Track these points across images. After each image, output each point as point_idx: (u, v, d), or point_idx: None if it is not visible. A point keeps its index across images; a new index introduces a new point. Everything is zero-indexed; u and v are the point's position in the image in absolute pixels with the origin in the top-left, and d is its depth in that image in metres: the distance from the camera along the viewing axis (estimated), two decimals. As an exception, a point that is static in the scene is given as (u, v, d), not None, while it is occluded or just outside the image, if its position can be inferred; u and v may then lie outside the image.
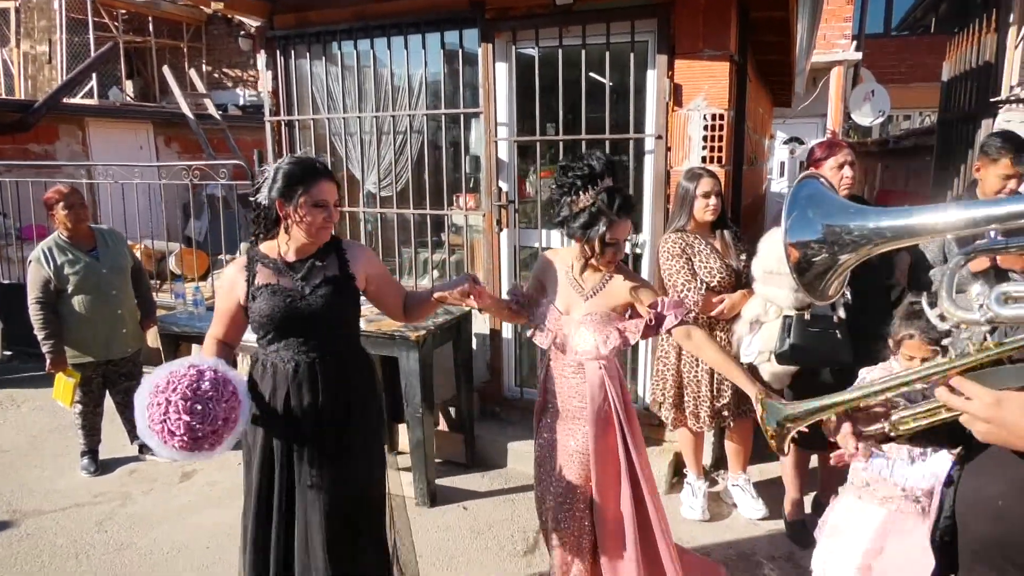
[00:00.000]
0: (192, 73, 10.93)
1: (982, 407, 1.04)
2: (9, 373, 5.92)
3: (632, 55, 3.66)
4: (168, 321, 4.20)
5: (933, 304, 1.13)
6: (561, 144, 3.88)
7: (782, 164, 10.55)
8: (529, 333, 2.50)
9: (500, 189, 4.02)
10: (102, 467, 4.11)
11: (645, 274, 3.84)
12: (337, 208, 2.24)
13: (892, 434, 1.27)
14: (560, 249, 2.55)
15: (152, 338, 4.45)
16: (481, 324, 4.23)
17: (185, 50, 12.09)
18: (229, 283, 2.28)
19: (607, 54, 3.68)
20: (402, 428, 4.07)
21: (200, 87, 10.79)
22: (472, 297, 2.23)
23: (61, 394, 3.87)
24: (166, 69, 9.98)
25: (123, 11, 11.41)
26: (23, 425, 4.84)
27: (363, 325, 2.84)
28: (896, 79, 12.01)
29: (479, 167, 4.23)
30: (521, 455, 3.89)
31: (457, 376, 3.96)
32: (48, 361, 3.82)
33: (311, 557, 2.21)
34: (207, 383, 1.94)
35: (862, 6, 10.38)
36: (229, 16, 8.50)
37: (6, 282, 6.40)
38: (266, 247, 2.27)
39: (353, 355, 2.36)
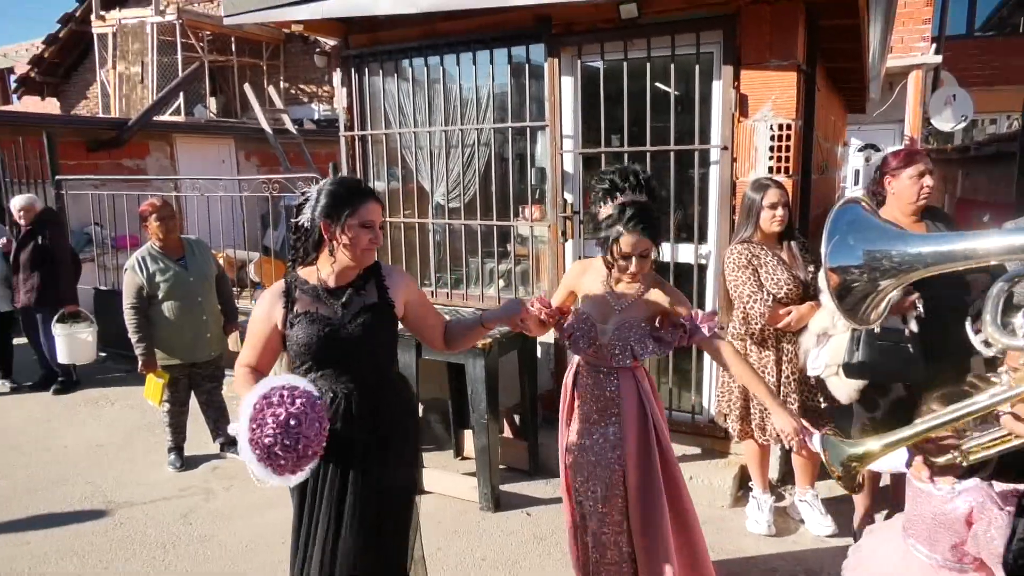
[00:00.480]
0: (271, 90, 11.43)
1: None
2: (104, 373, 6.33)
3: (697, 66, 3.67)
4: (248, 327, 4.43)
5: (978, 330, 1.14)
6: (626, 155, 3.92)
7: (856, 172, 10.24)
8: (563, 342, 2.56)
9: (565, 200, 4.09)
10: (187, 463, 4.36)
11: (709, 286, 3.84)
12: (381, 230, 2.18)
13: (963, 463, 1.26)
14: (595, 259, 2.58)
15: (233, 342, 4.70)
16: (547, 334, 4.29)
17: (264, 68, 12.66)
18: (267, 309, 2.18)
19: (672, 66, 3.71)
20: (467, 433, 4.17)
21: (278, 103, 11.27)
22: (524, 321, 2.25)
23: (151, 393, 4.13)
24: (247, 87, 10.48)
25: (207, 32, 12.05)
26: (117, 422, 5.17)
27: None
28: (980, 82, 11.48)
29: (544, 179, 4.30)
30: (584, 463, 3.93)
31: (522, 384, 4.04)
32: (140, 362, 4.09)
33: None
34: (303, 406, 1.88)
35: (943, 7, 9.99)
36: (306, 35, 8.88)
37: (102, 288, 6.85)
38: (305, 272, 2.20)
39: (390, 385, 2.30)
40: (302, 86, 13.10)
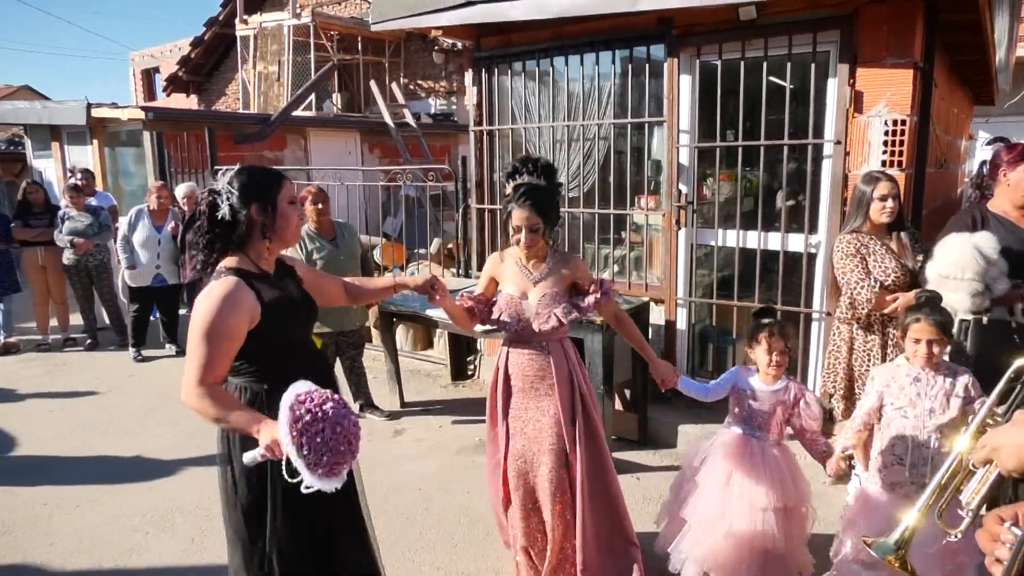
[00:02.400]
0: (393, 86, 12.15)
1: (991, 438, 1.27)
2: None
3: (813, 64, 3.85)
4: (386, 300, 4.97)
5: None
6: (740, 149, 4.15)
7: (983, 164, 9.82)
8: (484, 329, 2.91)
9: (680, 191, 4.36)
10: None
11: (818, 274, 4.02)
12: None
13: (976, 513, 1.40)
14: (509, 248, 2.83)
15: (373, 315, 5.26)
16: (657, 315, 4.59)
17: (387, 65, 13.44)
18: (241, 309, 1.99)
19: (788, 64, 3.90)
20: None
21: (400, 98, 11.98)
22: (434, 289, 2.51)
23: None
24: (373, 84, 11.21)
25: (335, 33, 12.93)
26: (268, 383, 5.87)
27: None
28: None
29: (660, 170, 4.58)
30: (690, 437, 4.21)
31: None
32: (298, 329, 4.68)
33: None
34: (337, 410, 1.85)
35: (1087, -8, 9.37)
36: (425, 34, 9.46)
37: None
38: (233, 262, 2.08)
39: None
40: (420, 82, 13.80)
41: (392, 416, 5.02)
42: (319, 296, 2.37)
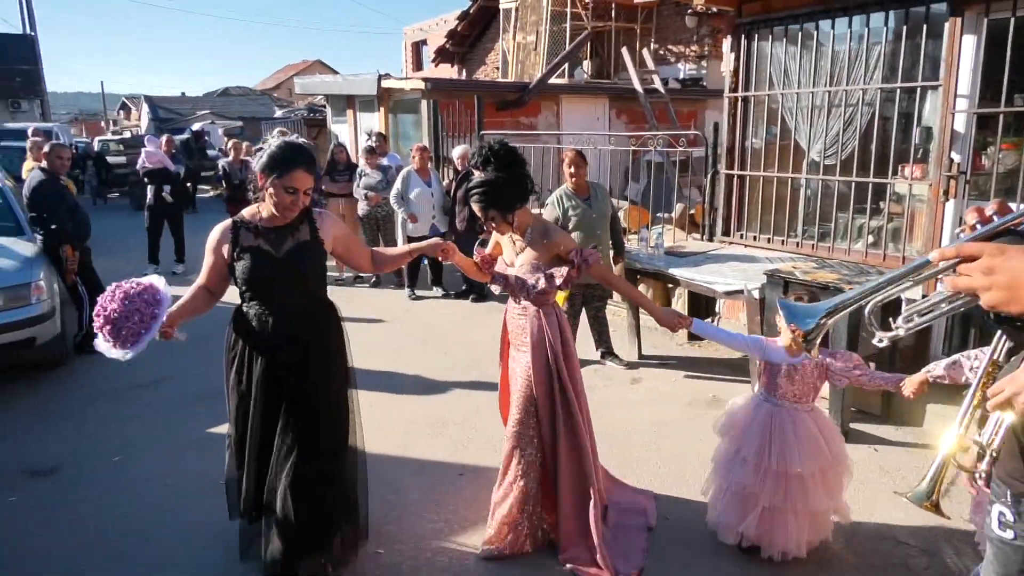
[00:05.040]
0: (644, 52, 12.30)
1: (1010, 384, 1.21)
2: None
3: None
4: (632, 259, 5.32)
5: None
6: (1029, 115, 3.83)
7: None
8: (491, 286, 3.12)
9: (952, 160, 4.13)
10: (575, 363, 5.45)
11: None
12: (307, 195, 2.55)
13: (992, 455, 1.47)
14: None
15: (619, 271, 5.64)
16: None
17: (638, 30, 13.58)
18: (216, 242, 2.63)
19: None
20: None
21: (650, 64, 12.11)
22: (444, 251, 2.84)
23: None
24: (624, 50, 11.47)
25: (590, 1, 13.33)
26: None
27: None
28: None
29: (930, 138, 4.36)
30: (939, 417, 4.05)
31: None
32: (552, 278, 5.23)
33: (278, 483, 2.63)
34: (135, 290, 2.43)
35: None
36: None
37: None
38: (250, 212, 2.64)
39: (319, 308, 2.76)
40: (670, 47, 13.75)
41: (630, 366, 5.40)
42: (348, 262, 2.91)
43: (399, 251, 3.10)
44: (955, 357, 2.63)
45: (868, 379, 2.84)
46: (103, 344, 2.41)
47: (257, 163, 2.53)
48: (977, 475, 1.52)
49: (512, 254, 3.05)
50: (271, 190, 2.49)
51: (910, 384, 2.63)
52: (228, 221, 2.66)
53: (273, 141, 2.54)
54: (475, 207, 2.92)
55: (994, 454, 1.49)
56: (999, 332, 1.50)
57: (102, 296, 2.43)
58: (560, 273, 2.91)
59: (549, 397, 2.98)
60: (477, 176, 2.90)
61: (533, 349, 2.97)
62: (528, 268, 2.95)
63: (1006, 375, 1.34)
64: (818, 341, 1.45)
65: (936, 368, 2.61)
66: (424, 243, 2.98)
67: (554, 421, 2.98)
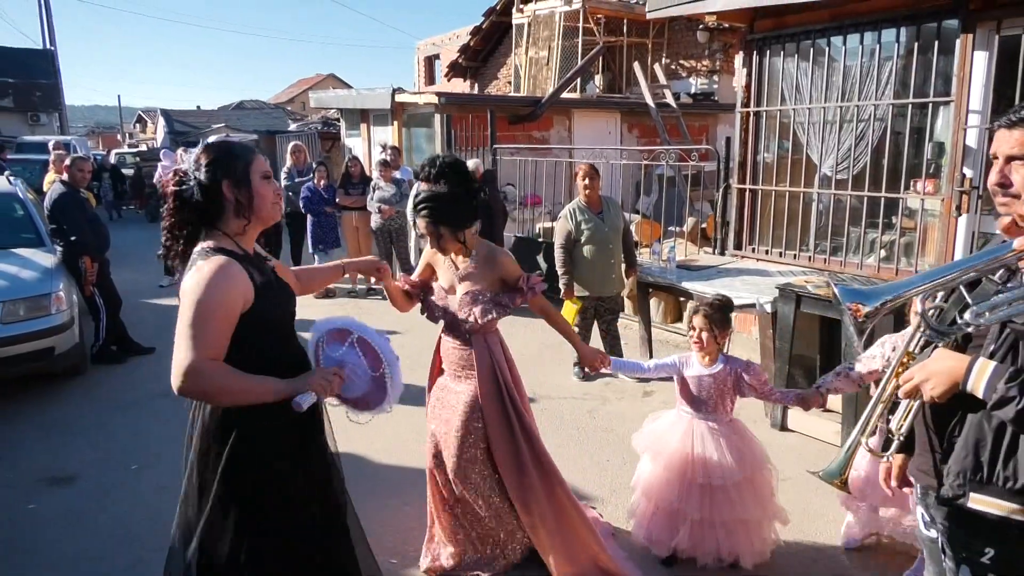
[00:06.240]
0: (655, 67, 12.38)
1: (920, 372, 1.50)
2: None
3: None
4: (644, 272, 5.35)
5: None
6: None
7: None
8: (424, 314, 2.88)
9: (964, 175, 4.14)
10: (587, 376, 5.47)
11: None
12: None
13: (900, 439, 1.70)
14: None
15: (631, 285, 5.67)
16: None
17: (650, 45, 13.67)
18: (236, 287, 1.85)
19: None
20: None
21: (661, 78, 12.18)
22: (378, 271, 2.58)
23: (567, 316, 5.29)
24: (636, 65, 11.55)
25: (601, 16, 13.43)
26: (531, 339, 6.59)
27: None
28: None
29: (942, 153, 4.37)
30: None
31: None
32: (563, 290, 5.26)
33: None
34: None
35: None
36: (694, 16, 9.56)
37: (519, 235, 8.51)
38: (212, 244, 1.93)
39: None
40: (682, 61, 13.83)
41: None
42: None
43: (327, 268, 2.63)
44: (840, 368, 2.80)
45: (771, 394, 2.98)
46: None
47: (208, 176, 1.92)
48: (885, 459, 1.75)
49: (451, 278, 2.79)
50: (254, 190, 1.97)
51: (805, 401, 2.78)
52: (220, 257, 1.90)
53: (191, 155, 1.97)
54: (421, 222, 2.68)
55: (901, 438, 1.68)
56: (919, 327, 1.64)
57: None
58: (508, 300, 2.75)
59: (507, 429, 2.77)
60: (426, 188, 2.65)
61: (482, 381, 2.75)
62: (470, 298, 2.73)
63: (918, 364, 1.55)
64: (874, 322, 1.63)
65: (824, 383, 2.76)
66: (359, 260, 2.67)
67: (518, 454, 2.77)
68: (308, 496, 2.06)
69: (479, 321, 2.69)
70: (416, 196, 2.72)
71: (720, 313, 2.93)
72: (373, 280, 2.70)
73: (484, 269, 2.73)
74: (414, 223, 7.52)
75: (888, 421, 1.77)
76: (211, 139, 2.10)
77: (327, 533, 2.14)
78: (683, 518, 2.93)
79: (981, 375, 1.41)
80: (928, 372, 1.49)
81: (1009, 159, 1.53)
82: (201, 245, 1.92)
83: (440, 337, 2.90)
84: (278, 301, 2.00)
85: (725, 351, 3.02)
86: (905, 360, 1.66)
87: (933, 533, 1.72)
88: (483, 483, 2.80)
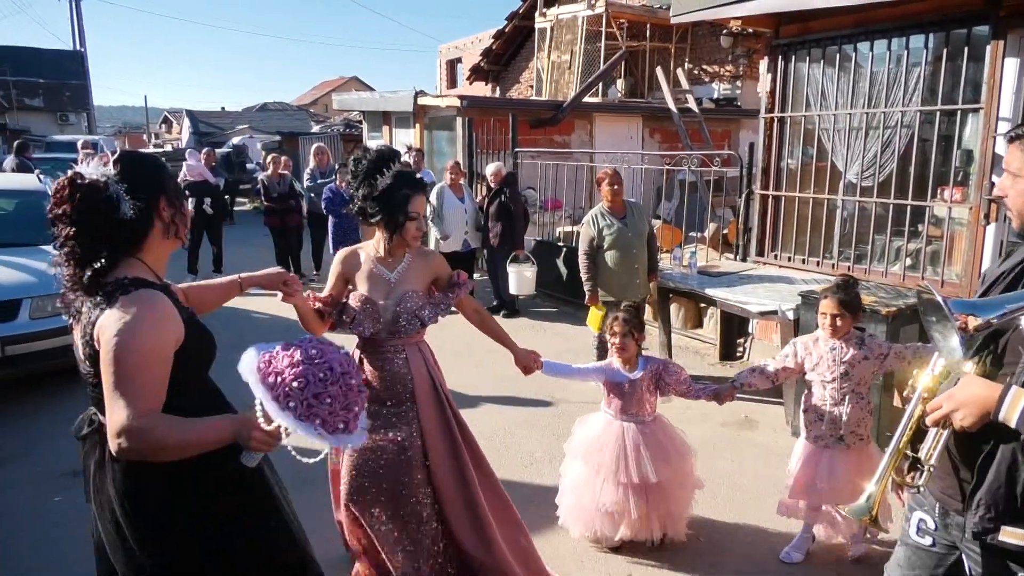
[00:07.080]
0: (678, 71, 12.33)
1: (948, 401, 1.44)
2: (535, 307, 7.95)
3: None
4: (665, 278, 5.33)
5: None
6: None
7: None
8: (348, 330, 2.58)
9: (992, 184, 4.08)
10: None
11: None
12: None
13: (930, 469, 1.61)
14: (358, 244, 2.69)
15: (654, 289, 5.65)
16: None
17: (673, 50, 13.63)
18: (171, 330, 1.64)
19: None
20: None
21: (684, 83, 12.12)
22: (285, 285, 2.20)
23: (592, 322, 5.28)
24: (658, 70, 11.52)
25: (624, 21, 13.42)
26: (549, 344, 6.59)
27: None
28: None
29: (970, 161, 4.32)
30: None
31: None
32: (588, 296, 5.25)
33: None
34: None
35: None
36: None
37: (539, 239, 8.51)
38: (136, 271, 1.69)
39: None
40: (704, 66, 13.77)
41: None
42: None
43: (220, 284, 2.19)
44: (755, 366, 3.11)
45: (689, 391, 3.14)
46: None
47: (139, 193, 1.66)
48: (917, 489, 1.65)
49: (382, 285, 2.58)
50: (177, 208, 1.77)
51: (719, 396, 3.05)
52: (158, 293, 1.68)
53: (105, 168, 1.68)
54: (407, 197, 2.49)
55: (931, 468, 1.61)
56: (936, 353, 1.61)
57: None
58: (446, 299, 2.65)
59: (451, 451, 2.63)
60: (398, 165, 2.51)
61: (424, 404, 2.57)
62: (413, 301, 2.56)
63: (945, 391, 1.50)
64: (982, 335, 1.57)
65: (739, 378, 3.06)
66: (259, 273, 2.22)
67: (462, 471, 2.63)
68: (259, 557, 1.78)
69: (426, 323, 2.59)
70: (399, 171, 2.53)
71: (637, 318, 3.22)
72: (280, 297, 2.28)
73: (419, 269, 2.63)
74: (434, 231, 7.63)
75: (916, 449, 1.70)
76: (123, 156, 1.76)
77: None
78: (626, 516, 3.09)
79: (1015, 406, 1.35)
80: (957, 402, 1.44)
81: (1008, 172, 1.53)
82: (115, 276, 1.65)
83: (359, 358, 2.60)
84: (201, 332, 1.74)
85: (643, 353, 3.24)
86: (931, 385, 1.61)
87: (928, 540, 1.70)
88: (428, 502, 2.61)
